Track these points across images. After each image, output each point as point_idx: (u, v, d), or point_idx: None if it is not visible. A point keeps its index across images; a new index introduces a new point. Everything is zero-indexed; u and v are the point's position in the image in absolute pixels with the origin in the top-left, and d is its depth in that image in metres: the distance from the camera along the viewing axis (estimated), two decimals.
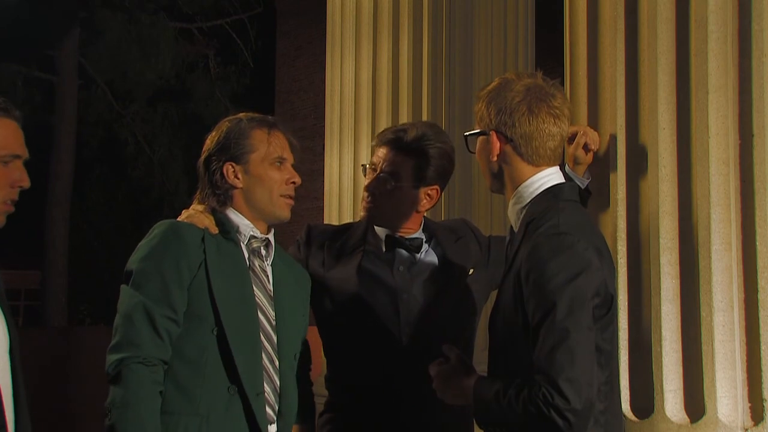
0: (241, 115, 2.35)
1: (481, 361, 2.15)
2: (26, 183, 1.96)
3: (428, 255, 2.55)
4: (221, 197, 2.28)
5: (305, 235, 2.63)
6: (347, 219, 4.04)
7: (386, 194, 2.48)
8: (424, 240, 2.56)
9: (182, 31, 15.16)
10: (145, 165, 16.18)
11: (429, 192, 2.52)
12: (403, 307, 2.47)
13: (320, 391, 2.62)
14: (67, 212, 14.06)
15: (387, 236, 2.53)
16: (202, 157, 2.31)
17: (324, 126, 4.43)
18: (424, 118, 4.04)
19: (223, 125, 2.33)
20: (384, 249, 2.53)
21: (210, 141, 2.32)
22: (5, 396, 1.90)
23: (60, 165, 13.79)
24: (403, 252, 2.52)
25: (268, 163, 2.28)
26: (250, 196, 2.28)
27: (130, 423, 2.03)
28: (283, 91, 13.19)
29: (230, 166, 2.27)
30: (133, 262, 2.18)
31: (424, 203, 2.54)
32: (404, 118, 3.98)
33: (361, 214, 2.55)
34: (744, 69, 2.25)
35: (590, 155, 2.42)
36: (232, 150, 2.27)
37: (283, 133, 2.33)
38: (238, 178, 2.27)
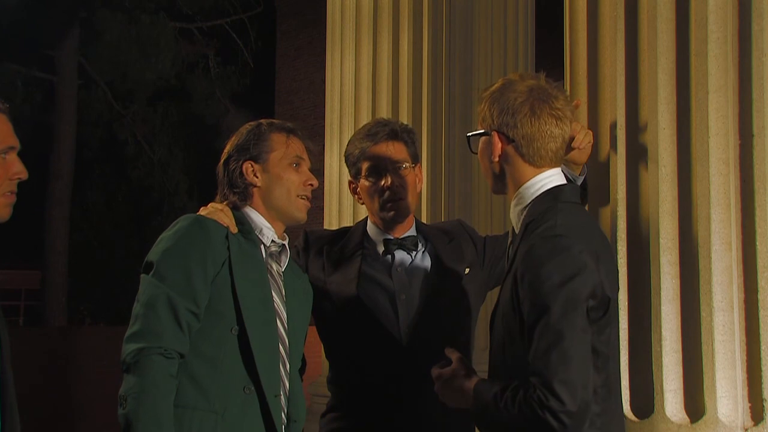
0: (262, 120, 2.38)
1: (481, 361, 2.15)
2: (25, 175, 1.94)
3: (423, 256, 2.58)
4: (241, 195, 2.29)
5: (303, 241, 2.65)
6: (347, 219, 4.04)
7: (410, 184, 2.56)
8: (419, 240, 2.59)
9: (182, 31, 15.17)
10: (145, 165, 16.18)
11: (418, 173, 2.62)
12: (401, 308, 2.49)
13: (322, 392, 2.62)
14: (67, 212, 14.06)
15: (385, 239, 2.56)
16: (222, 160, 2.33)
17: (324, 126, 4.43)
18: (424, 118, 4.05)
19: (243, 129, 2.35)
20: (382, 251, 2.56)
21: (229, 144, 2.34)
22: None
23: (60, 165, 13.79)
24: (401, 253, 2.56)
25: (286, 163, 2.31)
26: (268, 196, 2.29)
27: (146, 413, 1.98)
28: (283, 91, 13.20)
29: (249, 165, 2.29)
30: (156, 254, 2.15)
31: (420, 182, 2.64)
32: (404, 117, 3.98)
33: (390, 214, 2.55)
34: (744, 69, 2.25)
35: (585, 154, 2.42)
36: (251, 150, 2.29)
37: (301, 138, 2.36)
38: (257, 177, 2.29)
